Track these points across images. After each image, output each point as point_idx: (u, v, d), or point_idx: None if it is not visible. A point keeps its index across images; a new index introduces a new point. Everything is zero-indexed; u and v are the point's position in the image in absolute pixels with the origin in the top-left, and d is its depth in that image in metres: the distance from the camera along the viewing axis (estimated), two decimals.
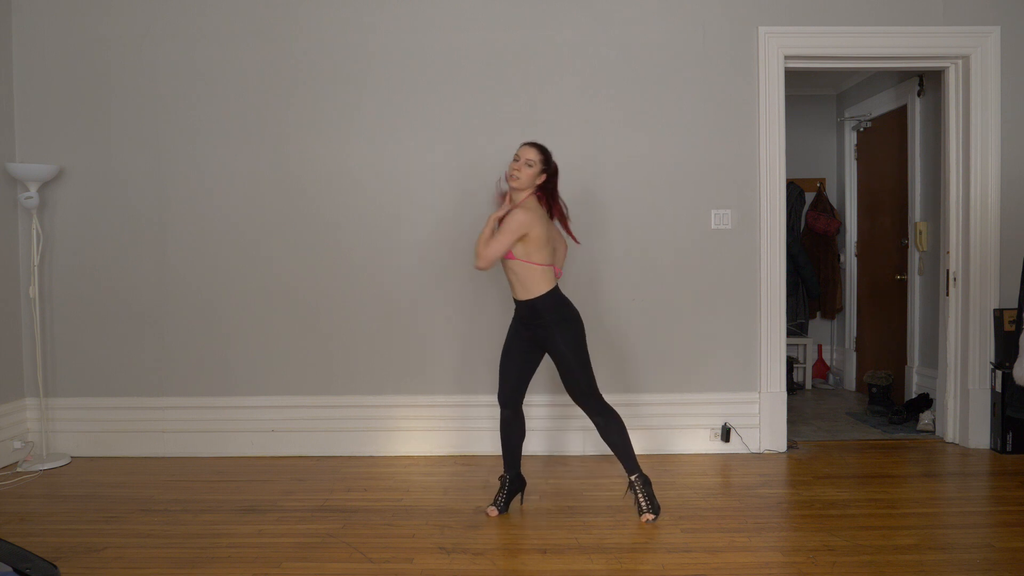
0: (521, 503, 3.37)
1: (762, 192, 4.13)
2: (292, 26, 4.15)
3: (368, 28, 4.14)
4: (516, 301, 3.24)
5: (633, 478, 3.19)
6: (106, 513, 3.31)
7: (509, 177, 3.17)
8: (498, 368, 3.35)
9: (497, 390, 3.34)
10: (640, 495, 3.17)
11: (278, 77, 4.16)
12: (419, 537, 2.99)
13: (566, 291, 4.13)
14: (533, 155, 3.16)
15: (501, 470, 3.40)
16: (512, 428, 3.32)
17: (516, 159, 3.17)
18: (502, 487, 3.31)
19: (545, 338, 3.18)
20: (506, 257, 3.15)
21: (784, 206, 4.16)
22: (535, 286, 3.16)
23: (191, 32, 4.16)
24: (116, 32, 4.16)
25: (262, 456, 4.21)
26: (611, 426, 3.20)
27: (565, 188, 4.15)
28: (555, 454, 4.18)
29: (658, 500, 3.23)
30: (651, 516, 3.14)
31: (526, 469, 3.87)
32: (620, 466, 3.90)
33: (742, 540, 2.92)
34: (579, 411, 4.11)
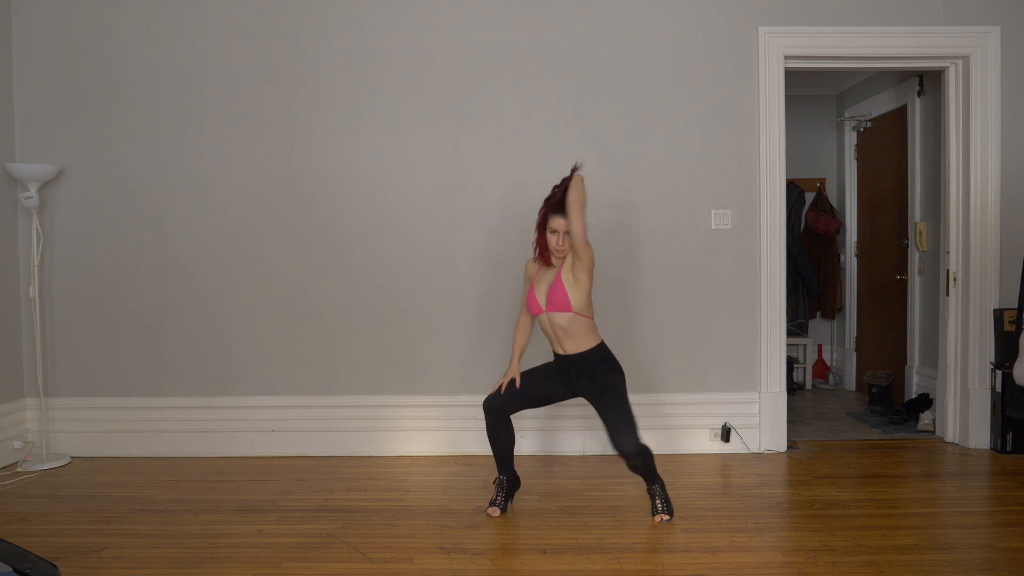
0: (511, 502, 3.37)
1: (762, 192, 4.13)
2: (294, 25, 4.15)
3: (369, 28, 4.14)
4: (560, 355, 3.17)
5: (655, 487, 3.19)
6: (106, 513, 3.31)
7: (557, 252, 3.10)
8: (501, 372, 3.34)
9: (487, 396, 3.26)
10: (658, 499, 3.17)
11: (280, 77, 4.16)
12: (419, 537, 2.99)
13: None
14: (564, 223, 3.07)
15: None
16: (499, 434, 3.27)
17: (554, 232, 3.07)
18: (500, 488, 3.31)
19: (594, 390, 3.12)
20: (563, 311, 3.08)
21: (784, 206, 4.16)
22: (587, 339, 3.14)
23: (191, 32, 4.15)
24: (116, 31, 4.16)
25: (262, 456, 4.21)
26: (646, 461, 3.13)
27: None
28: (554, 454, 4.18)
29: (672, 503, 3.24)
30: (665, 516, 3.14)
31: (526, 469, 3.88)
32: (620, 466, 3.91)
33: (742, 540, 2.92)
34: (578, 411, 4.15)
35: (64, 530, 3.11)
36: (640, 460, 3.12)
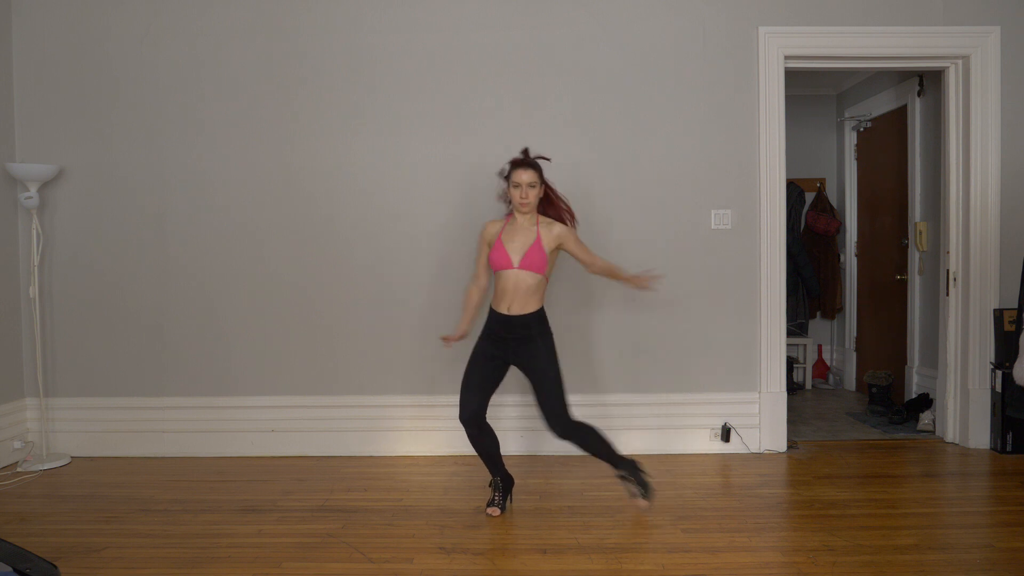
0: (511, 501, 3.37)
1: (762, 192, 4.13)
2: (294, 25, 4.15)
3: (369, 28, 4.14)
4: (503, 315, 3.18)
5: (617, 473, 3.21)
6: (106, 513, 3.31)
7: (520, 206, 3.17)
8: None
9: (460, 411, 3.21)
10: (631, 483, 3.19)
11: (280, 77, 4.16)
12: (419, 537, 2.99)
13: (566, 292, 4.15)
14: (532, 176, 3.16)
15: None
16: (483, 441, 3.26)
17: (517, 186, 3.15)
18: (496, 488, 3.31)
19: (528, 352, 3.15)
20: (538, 271, 3.16)
21: (784, 206, 4.16)
22: (537, 301, 3.20)
23: (191, 32, 4.15)
24: (116, 31, 4.17)
25: (262, 456, 4.21)
26: (589, 440, 3.18)
27: (565, 188, 4.17)
28: (554, 454, 4.18)
29: (652, 485, 3.23)
30: (643, 503, 3.16)
31: (525, 469, 3.88)
32: None
33: (742, 540, 2.92)
34: (578, 411, 4.14)
35: (64, 530, 3.11)
36: (577, 441, 3.16)
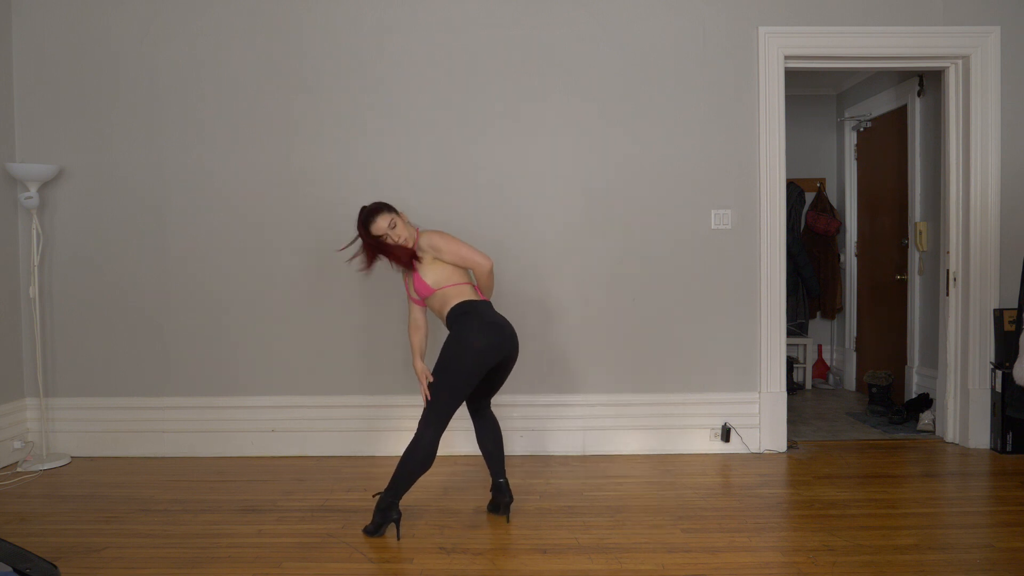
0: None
1: (762, 192, 4.13)
2: (294, 25, 4.15)
3: (369, 28, 4.14)
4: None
5: (381, 496, 3.01)
6: (106, 513, 3.31)
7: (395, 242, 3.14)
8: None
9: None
10: (377, 516, 3.00)
11: (280, 77, 4.16)
12: (419, 537, 2.99)
13: (565, 290, 4.15)
14: (386, 218, 3.12)
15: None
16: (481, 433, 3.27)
17: (380, 236, 3.11)
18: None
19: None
20: (426, 295, 3.13)
21: (784, 206, 4.16)
22: (449, 305, 3.13)
23: (191, 32, 4.15)
24: (116, 31, 4.17)
25: (262, 456, 4.21)
26: (403, 459, 2.97)
27: (565, 187, 4.17)
28: (554, 454, 4.18)
29: (381, 534, 3.02)
30: (366, 532, 3.01)
31: (525, 468, 3.88)
32: (621, 466, 3.93)
33: (742, 540, 2.92)
34: (575, 411, 4.17)
35: (64, 530, 3.11)
36: (418, 440, 2.94)
